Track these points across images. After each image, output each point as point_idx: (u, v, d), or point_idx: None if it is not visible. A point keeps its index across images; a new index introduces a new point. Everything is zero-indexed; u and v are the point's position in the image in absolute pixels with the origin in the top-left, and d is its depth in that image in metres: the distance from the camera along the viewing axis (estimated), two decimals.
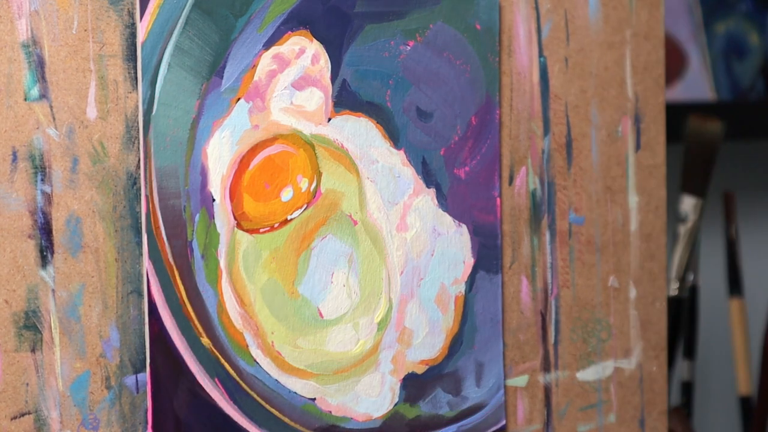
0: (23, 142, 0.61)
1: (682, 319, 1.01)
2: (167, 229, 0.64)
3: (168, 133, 0.64)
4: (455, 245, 0.72)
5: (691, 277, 1.03)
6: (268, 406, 0.67)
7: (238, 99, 0.66)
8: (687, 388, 1.06)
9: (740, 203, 1.13)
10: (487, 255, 0.73)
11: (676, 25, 1.26)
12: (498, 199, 0.73)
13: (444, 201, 0.72)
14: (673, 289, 0.99)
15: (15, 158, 0.61)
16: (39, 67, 0.61)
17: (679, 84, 1.26)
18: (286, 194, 0.67)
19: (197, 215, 0.65)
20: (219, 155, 0.65)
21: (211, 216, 0.65)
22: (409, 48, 0.70)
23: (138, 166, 0.64)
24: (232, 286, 0.66)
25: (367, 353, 0.70)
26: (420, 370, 0.71)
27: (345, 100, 0.69)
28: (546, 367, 0.76)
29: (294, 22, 0.67)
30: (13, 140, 0.61)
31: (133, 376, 0.64)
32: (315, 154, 0.68)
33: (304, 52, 0.67)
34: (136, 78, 0.63)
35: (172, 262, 0.64)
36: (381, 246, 0.70)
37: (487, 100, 0.73)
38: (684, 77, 1.26)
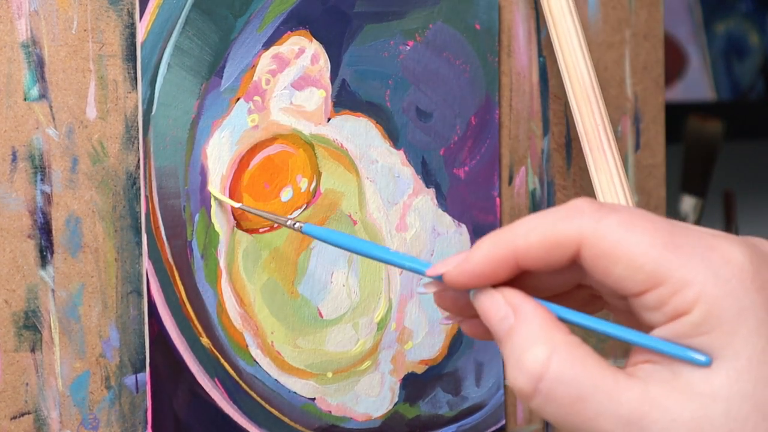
0: (23, 142, 0.61)
1: None
2: (167, 229, 0.64)
3: (168, 133, 0.64)
4: (455, 245, 0.72)
5: None
6: (267, 406, 0.67)
7: (238, 99, 0.66)
8: None
9: (740, 203, 1.13)
10: None
11: (676, 25, 1.26)
12: (498, 199, 0.73)
13: (444, 201, 0.72)
14: None
15: (15, 158, 0.61)
16: (39, 67, 0.61)
17: (679, 84, 1.26)
18: (286, 194, 0.67)
19: (197, 215, 0.65)
20: (218, 155, 0.65)
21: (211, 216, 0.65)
22: (408, 48, 0.70)
23: (138, 166, 0.64)
24: (232, 286, 0.66)
25: (366, 353, 0.70)
26: (420, 370, 0.71)
27: (344, 100, 0.69)
28: None
29: (293, 21, 0.67)
30: (13, 140, 0.61)
31: (133, 376, 0.64)
32: (314, 154, 0.68)
33: (303, 52, 0.67)
34: (136, 78, 0.63)
35: (172, 262, 0.64)
36: None
37: (486, 100, 0.73)
38: (684, 77, 1.26)
